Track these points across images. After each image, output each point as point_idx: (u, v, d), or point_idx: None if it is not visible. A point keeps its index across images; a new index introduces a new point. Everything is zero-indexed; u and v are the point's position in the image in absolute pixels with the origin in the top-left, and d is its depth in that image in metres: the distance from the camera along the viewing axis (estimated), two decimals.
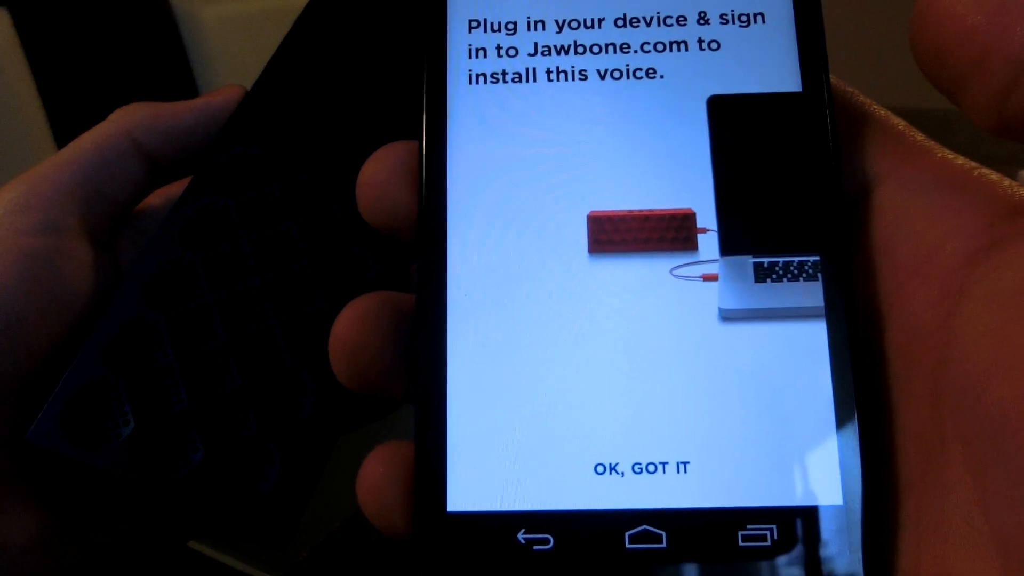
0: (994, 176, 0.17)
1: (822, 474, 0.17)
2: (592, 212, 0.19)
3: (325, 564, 0.31)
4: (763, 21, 0.19)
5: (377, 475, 0.18)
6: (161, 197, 0.30)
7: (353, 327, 0.19)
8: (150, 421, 0.26)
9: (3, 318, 0.25)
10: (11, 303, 0.25)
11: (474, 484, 0.18)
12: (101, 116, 0.29)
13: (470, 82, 0.19)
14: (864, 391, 0.17)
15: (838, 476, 0.17)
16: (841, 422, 0.17)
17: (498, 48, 0.20)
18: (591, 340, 0.18)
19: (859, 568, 0.17)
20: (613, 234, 0.18)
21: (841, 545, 0.17)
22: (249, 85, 0.30)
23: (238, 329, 0.27)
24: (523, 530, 0.17)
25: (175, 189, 0.30)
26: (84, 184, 0.27)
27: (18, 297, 0.25)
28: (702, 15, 0.19)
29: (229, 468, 0.25)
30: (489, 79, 0.19)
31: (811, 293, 0.18)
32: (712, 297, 0.18)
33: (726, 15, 0.19)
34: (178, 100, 0.30)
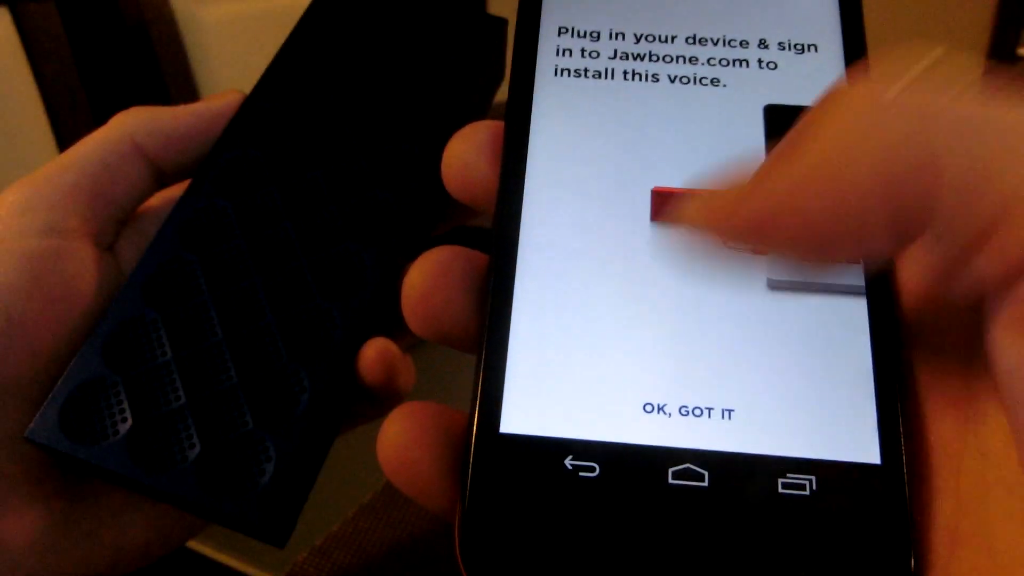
0: None
1: (861, 433, 0.18)
2: (656, 187, 0.21)
3: (325, 564, 0.30)
4: (816, 51, 0.22)
5: (399, 433, 0.18)
6: (161, 199, 0.30)
7: (426, 273, 0.20)
8: (148, 418, 0.26)
9: (5, 319, 0.25)
10: (14, 304, 0.25)
11: (528, 410, 0.18)
12: (102, 116, 0.29)
13: (556, 75, 0.22)
14: (902, 358, 0.18)
15: (876, 436, 0.18)
16: (880, 386, 0.18)
17: (583, 50, 0.22)
18: (648, 295, 0.19)
19: (893, 524, 0.17)
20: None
21: (877, 502, 0.17)
22: (250, 86, 0.31)
23: (235, 327, 0.27)
24: (571, 456, 0.18)
25: (175, 191, 0.30)
26: (86, 186, 0.28)
27: (21, 298, 0.25)
28: (762, 41, 0.22)
29: (226, 463, 0.25)
30: (572, 74, 0.22)
31: (854, 269, 0.19)
32: (762, 268, 0.20)
33: (783, 43, 0.22)
34: (178, 100, 0.31)
